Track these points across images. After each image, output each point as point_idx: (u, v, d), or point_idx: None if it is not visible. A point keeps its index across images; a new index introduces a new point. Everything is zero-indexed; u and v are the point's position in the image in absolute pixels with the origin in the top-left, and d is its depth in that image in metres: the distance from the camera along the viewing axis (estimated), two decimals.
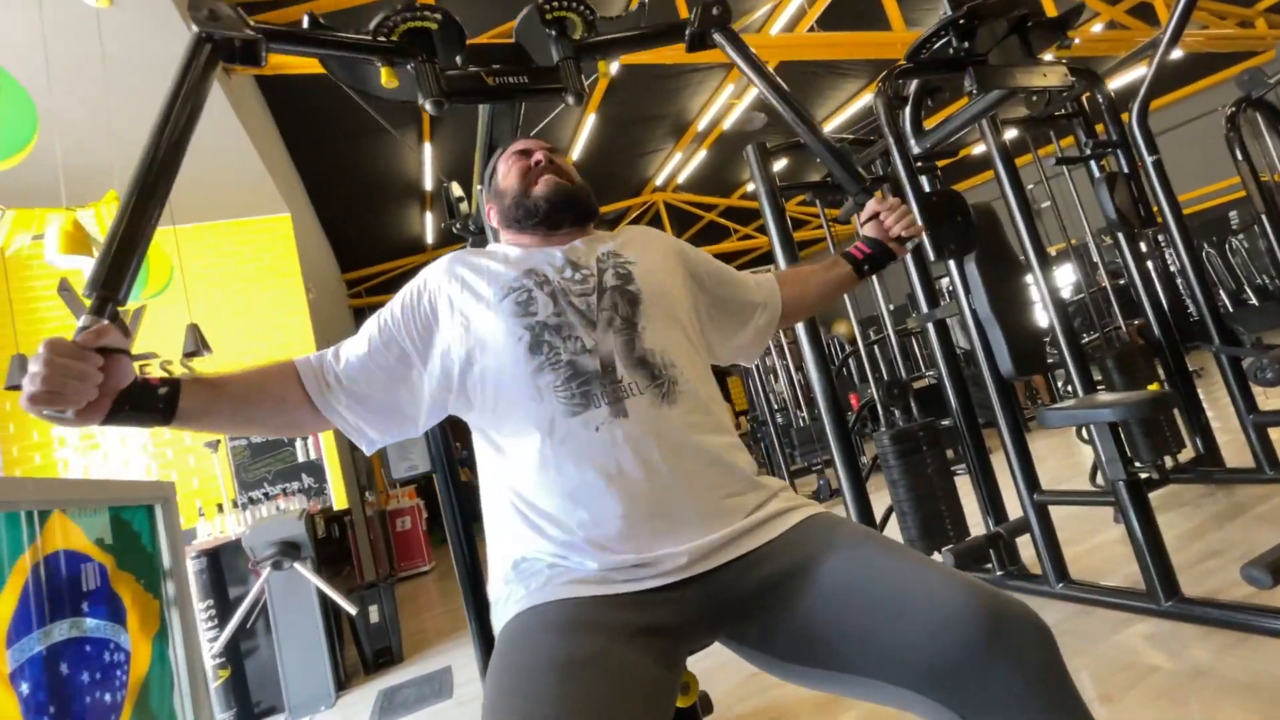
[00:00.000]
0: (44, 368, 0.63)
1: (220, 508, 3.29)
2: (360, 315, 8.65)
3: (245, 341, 4.50)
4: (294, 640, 2.95)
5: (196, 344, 3.37)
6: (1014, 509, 2.13)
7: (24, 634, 1.22)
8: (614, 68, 5.29)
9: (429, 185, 6.67)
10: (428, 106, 1.13)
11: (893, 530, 2.31)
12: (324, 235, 6.89)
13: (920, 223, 1.10)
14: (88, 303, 0.75)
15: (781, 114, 1.20)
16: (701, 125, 7.51)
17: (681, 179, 8.88)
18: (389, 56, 1.11)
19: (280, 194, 4.44)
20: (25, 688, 1.17)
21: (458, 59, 1.20)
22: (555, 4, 1.22)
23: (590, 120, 6.60)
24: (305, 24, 1.08)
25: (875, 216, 1.10)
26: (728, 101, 7.27)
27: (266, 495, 3.95)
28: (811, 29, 5.04)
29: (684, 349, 0.89)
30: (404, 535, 6.06)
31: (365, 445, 0.90)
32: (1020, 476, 1.89)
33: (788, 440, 4.72)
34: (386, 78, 1.11)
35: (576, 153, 6.98)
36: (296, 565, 2.86)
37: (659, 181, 8.88)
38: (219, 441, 3.88)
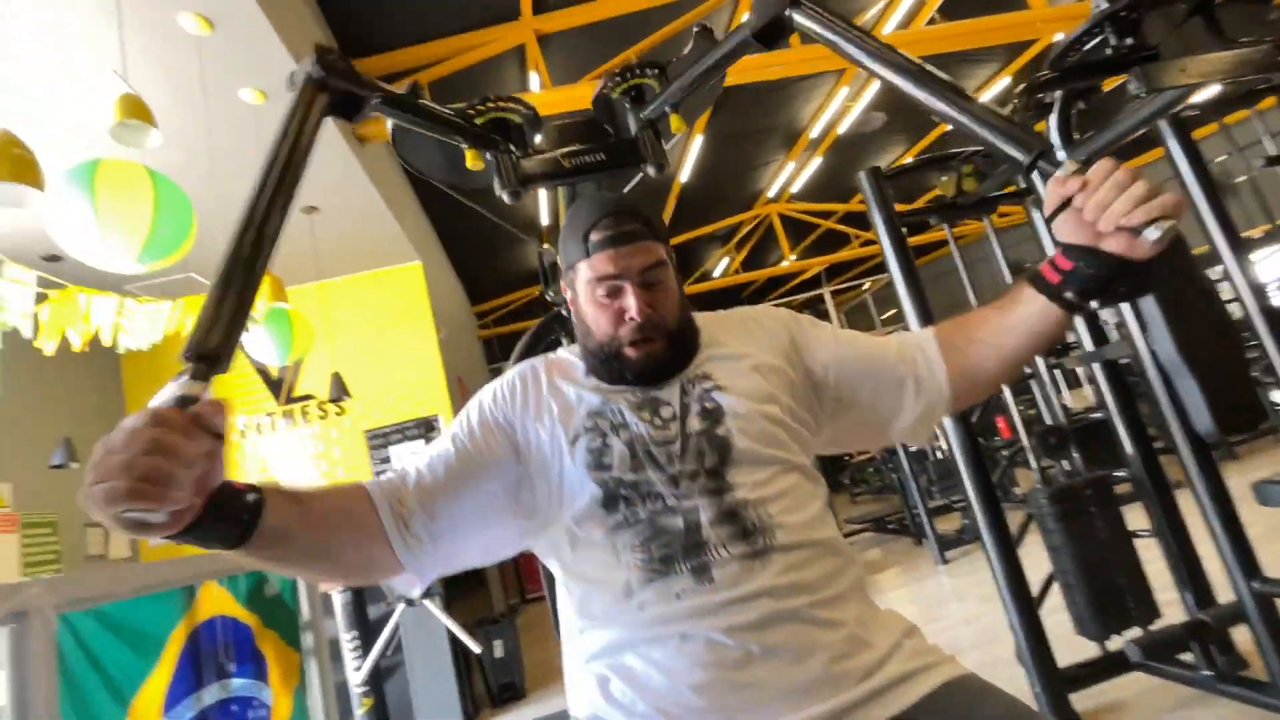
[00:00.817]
0: (144, 447, 0.46)
1: None
2: (489, 346, 9.19)
3: (382, 383, 4.91)
4: (426, 672, 3.12)
5: (339, 392, 3.72)
6: (1219, 580, 1.72)
7: (179, 701, 1.35)
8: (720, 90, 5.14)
9: (545, 220, 6.94)
10: (505, 197, 1.12)
11: (1054, 604, 1.97)
12: (454, 274, 7.40)
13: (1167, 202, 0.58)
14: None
15: (902, 90, 0.77)
16: (814, 132, 7.19)
17: (795, 188, 8.55)
18: (474, 139, 1.10)
19: (411, 244, 4.81)
20: None
21: (537, 138, 1.18)
22: (626, 74, 1.16)
23: (697, 141, 6.54)
24: (407, 90, 1.06)
25: (1068, 204, 0.63)
26: (843, 105, 6.90)
27: None
28: (932, 20, 4.62)
29: (785, 489, 0.76)
30: (532, 557, 6.29)
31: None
32: (1232, 559, 1.51)
33: (923, 471, 4.29)
34: (472, 160, 1.11)
35: (685, 174, 6.94)
36: (426, 602, 3.02)
37: (771, 193, 8.61)
38: None
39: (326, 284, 4.56)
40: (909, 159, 8.53)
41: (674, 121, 1.16)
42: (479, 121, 1.12)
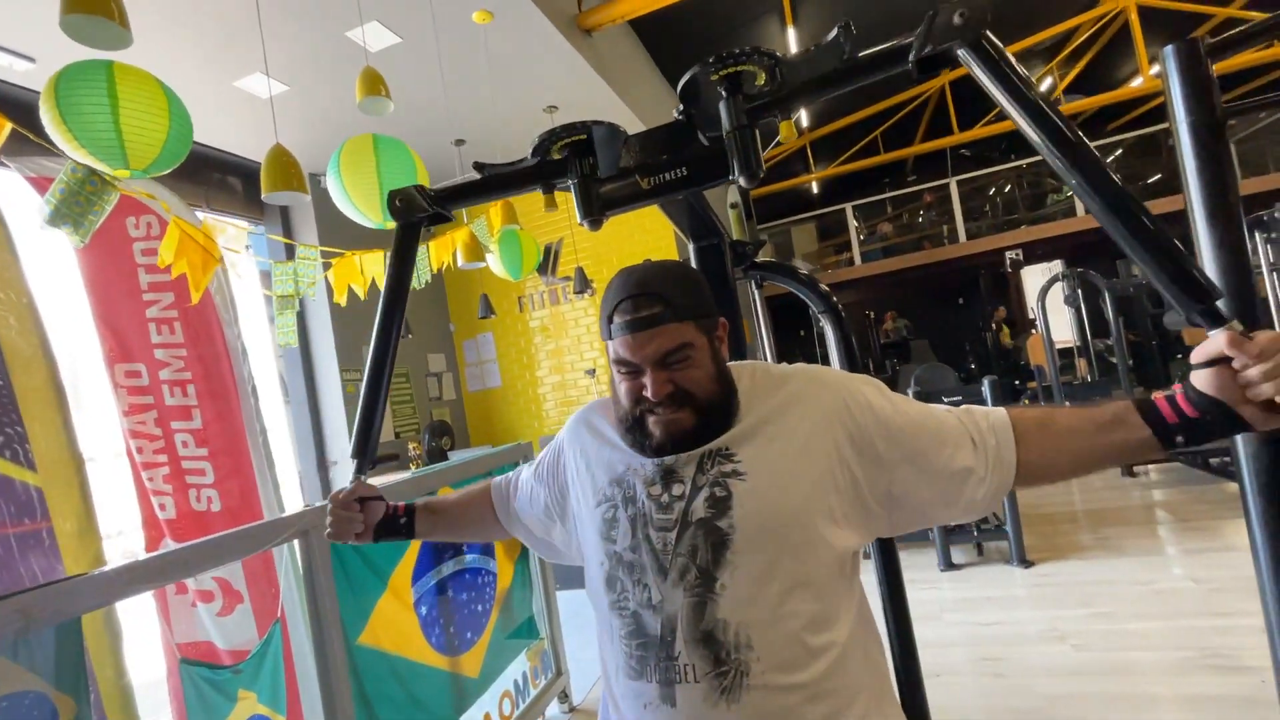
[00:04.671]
0: (330, 516, 0.96)
1: None
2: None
3: (621, 263, 5.30)
4: None
5: (582, 285, 4.16)
6: None
7: (424, 574, 1.90)
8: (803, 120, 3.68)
9: None
10: (586, 225, 1.09)
11: None
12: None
13: None
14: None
15: (1060, 173, 0.73)
16: None
17: None
18: (548, 182, 1.09)
19: (644, 125, 4.82)
20: (423, 610, 1.85)
21: (621, 155, 1.09)
22: (727, 59, 0.96)
23: None
24: (474, 170, 1.13)
25: (1224, 361, 0.62)
26: None
27: None
28: None
29: (782, 612, 0.70)
30: None
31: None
32: None
33: None
34: (547, 204, 1.11)
35: None
36: None
37: None
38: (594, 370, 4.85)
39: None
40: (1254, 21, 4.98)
41: (784, 129, 0.96)
42: (555, 155, 1.08)
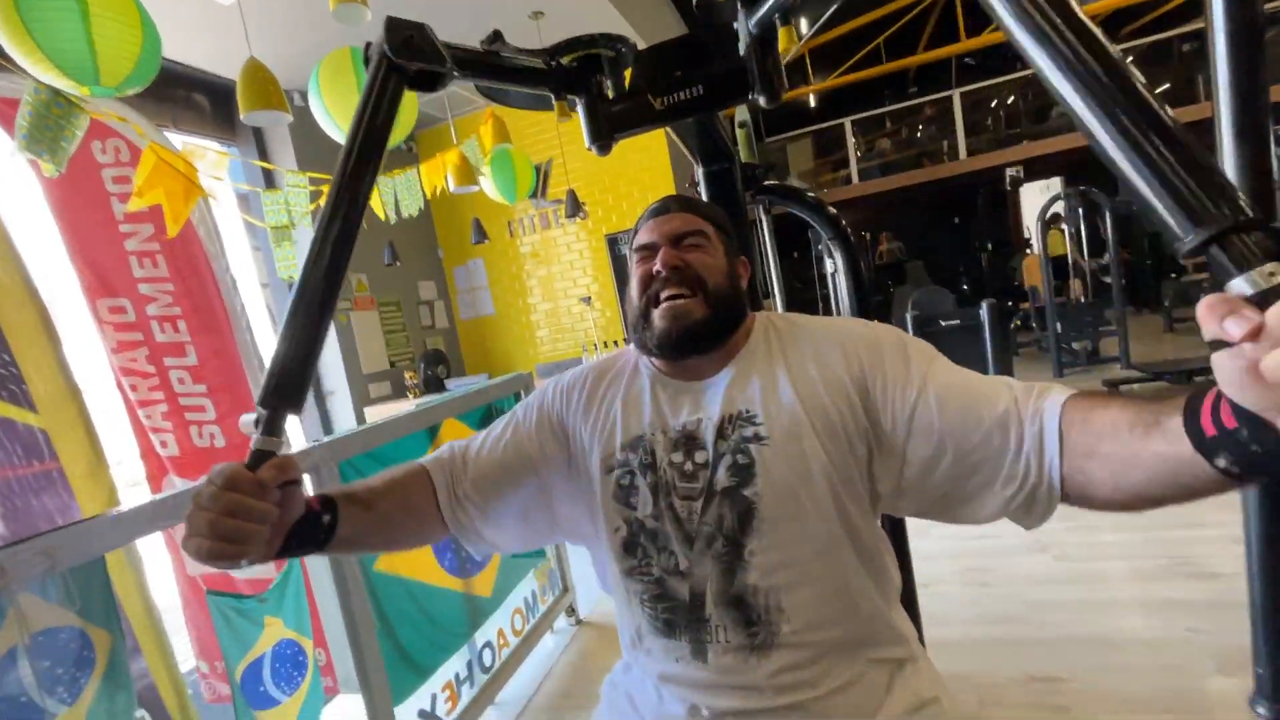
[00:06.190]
0: (223, 509, 0.51)
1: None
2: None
3: (620, 189, 5.12)
4: None
5: (574, 209, 4.03)
6: None
7: None
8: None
9: None
10: (595, 150, 1.02)
11: None
12: None
13: None
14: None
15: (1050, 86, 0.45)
16: None
17: None
18: (560, 88, 0.99)
19: (643, 39, 4.52)
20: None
21: (627, 74, 1.01)
22: None
23: None
24: (488, 39, 0.96)
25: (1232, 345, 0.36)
26: None
27: None
28: None
29: (808, 574, 0.70)
30: None
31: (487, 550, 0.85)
32: None
33: None
34: (560, 111, 1.02)
35: None
36: None
37: None
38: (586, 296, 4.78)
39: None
40: None
41: (783, 37, 0.87)
42: (566, 61, 0.99)
